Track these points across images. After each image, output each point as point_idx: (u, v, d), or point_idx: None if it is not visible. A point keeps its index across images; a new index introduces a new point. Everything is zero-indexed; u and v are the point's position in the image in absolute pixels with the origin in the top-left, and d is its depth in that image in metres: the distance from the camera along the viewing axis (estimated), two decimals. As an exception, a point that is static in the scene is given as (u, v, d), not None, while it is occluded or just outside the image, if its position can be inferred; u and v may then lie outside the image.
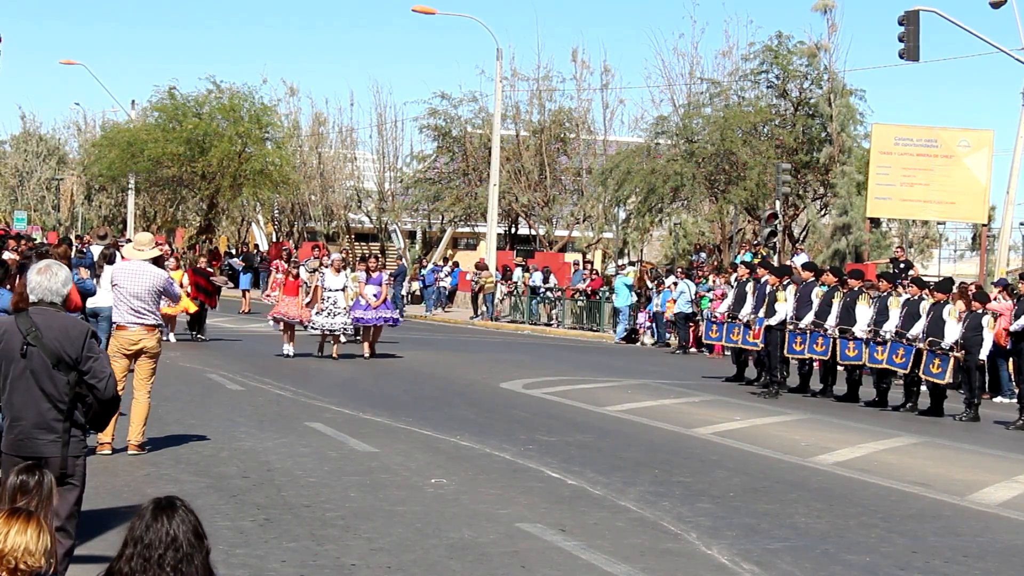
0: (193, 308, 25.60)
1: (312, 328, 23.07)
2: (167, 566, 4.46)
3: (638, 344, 32.57)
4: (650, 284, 33.12)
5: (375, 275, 23.72)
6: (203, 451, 12.70)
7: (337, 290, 22.87)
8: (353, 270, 24.41)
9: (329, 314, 22.71)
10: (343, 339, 23.48)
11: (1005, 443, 16.57)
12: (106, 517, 9.22)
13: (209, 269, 27.50)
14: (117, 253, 17.24)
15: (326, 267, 23.80)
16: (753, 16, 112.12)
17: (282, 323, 23.35)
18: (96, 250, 20.04)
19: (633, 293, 33.69)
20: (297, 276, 23.76)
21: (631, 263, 36.56)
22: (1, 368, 7.13)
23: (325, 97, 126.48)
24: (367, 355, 23.31)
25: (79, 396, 7.10)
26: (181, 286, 24.98)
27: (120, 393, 7.72)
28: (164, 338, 24.52)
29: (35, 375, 7.02)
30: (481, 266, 41.32)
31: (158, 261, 13.37)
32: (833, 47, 40.23)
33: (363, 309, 23.13)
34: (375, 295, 23.22)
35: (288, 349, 23.07)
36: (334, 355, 22.96)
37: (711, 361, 27.36)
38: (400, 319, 24.55)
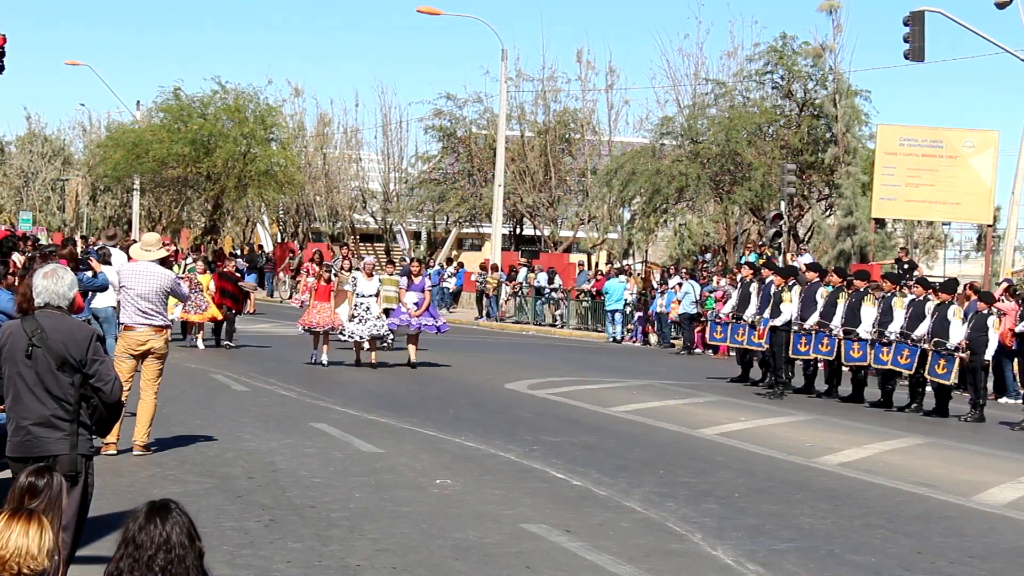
0: (219, 315, 24.40)
1: (342, 335, 21.90)
2: (156, 567, 4.48)
3: (637, 344, 32.58)
4: (656, 285, 33.14)
5: (417, 281, 22.38)
6: (208, 452, 12.71)
7: (370, 296, 21.70)
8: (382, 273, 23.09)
9: (361, 320, 21.54)
10: (383, 345, 22.35)
11: (1010, 444, 16.56)
12: (110, 518, 9.22)
13: (237, 273, 26.04)
14: (110, 252, 17.25)
15: (357, 271, 22.59)
16: (758, 17, 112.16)
17: (313, 332, 22.16)
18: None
19: (633, 295, 33.75)
20: (329, 280, 22.52)
21: (622, 270, 36.46)
22: (4, 370, 7.16)
23: (330, 98, 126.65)
24: (412, 362, 22.09)
25: (84, 397, 7.12)
26: (207, 291, 24.22)
27: (127, 394, 7.80)
28: (192, 344, 24.26)
29: (40, 377, 7.04)
30: (489, 267, 41.27)
31: (165, 261, 13.40)
32: (838, 48, 40.28)
33: (406, 316, 21.94)
34: (416, 303, 22.03)
35: (323, 358, 21.90)
36: (372, 361, 21.82)
37: (716, 362, 27.35)
38: (446, 326, 23.06)
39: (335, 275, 23.33)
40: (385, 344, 22.88)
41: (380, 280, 22.31)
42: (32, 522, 4.86)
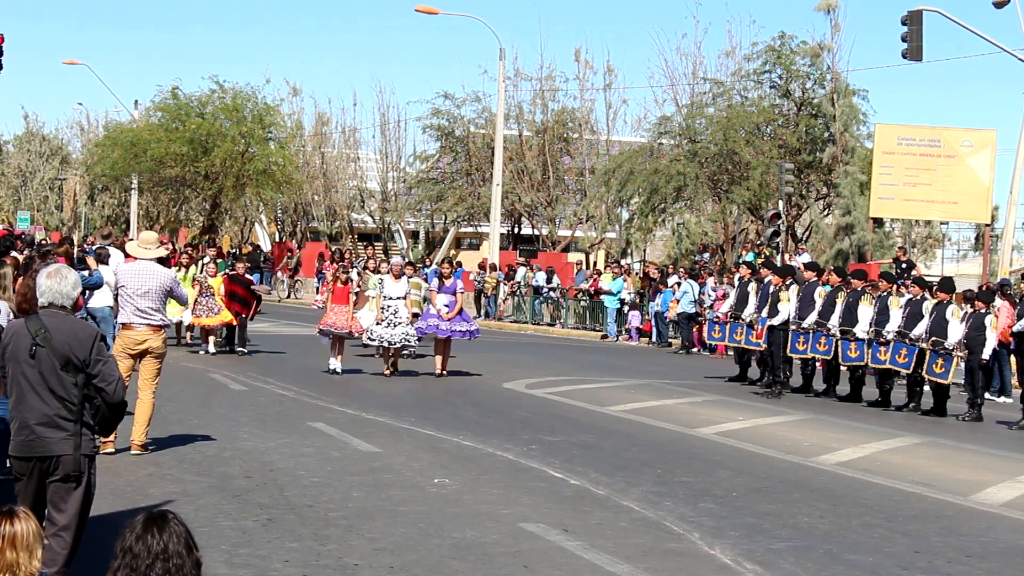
0: (234, 320, 23.24)
1: (369, 340, 20.59)
2: None
3: (635, 343, 32.58)
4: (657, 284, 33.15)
5: (448, 283, 21.03)
6: (206, 451, 12.71)
7: (398, 298, 20.39)
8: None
9: (389, 324, 20.22)
10: (405, 353, 21.26)
11: (1008, 443, 16.57)
12: (109, 518, 9.22)
13: (248, 276, 24.88)
14: (109, 252, 17.20)
15: (384, 272, 21.27)
16: (756, 16, 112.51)
17: (331, 336, 20.77)
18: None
19: (632, 294, 33.75)
20: (347, 282, 21.29)
21: (623, 270, 36.44)
22: (8, 370, 7.15)
23: (328, 97, 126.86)
24: (439, 372, 20.77)
25: (87, 398, 7.11)
26: (218, 294, 23.29)
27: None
28: (203, 352, 23.63)
29: (44, 376, 7.03)
30: (488, 266, 41.27)
31: (163, 261, 13.38)
32: (836, 47, 40.30)
33: (436, 319, 20.63)
34: (447, 305, 20.66)
35: (335, 365, 20.55)
36: (386, 372, 20.62)
37: (714, 361, 27.35)
38: (478, 331, 21.54)
39: (358, 274, 22.85)
40: (409, 352, 21.79)
41: (409, 282, 21.04)
42: (16, 545, 4.80)
